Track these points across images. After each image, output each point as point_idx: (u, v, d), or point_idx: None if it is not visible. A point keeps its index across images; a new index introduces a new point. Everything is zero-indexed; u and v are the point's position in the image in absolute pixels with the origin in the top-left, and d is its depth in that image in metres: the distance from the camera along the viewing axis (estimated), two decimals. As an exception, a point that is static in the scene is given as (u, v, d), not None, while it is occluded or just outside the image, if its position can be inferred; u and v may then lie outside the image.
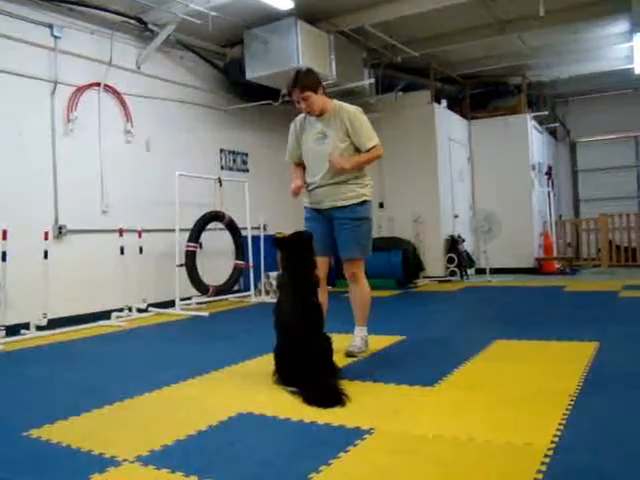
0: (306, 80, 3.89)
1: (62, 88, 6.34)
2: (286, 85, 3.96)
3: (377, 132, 4.03)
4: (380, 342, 4.37)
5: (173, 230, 6.90)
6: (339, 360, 3.84)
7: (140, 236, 6.81)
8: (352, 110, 3.97)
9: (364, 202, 3.99)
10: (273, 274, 8.50)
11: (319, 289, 3.89)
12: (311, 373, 3.16)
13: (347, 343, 4.12)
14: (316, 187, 4.03)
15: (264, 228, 8.22)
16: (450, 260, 9.46)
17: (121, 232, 6.60)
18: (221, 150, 8.55)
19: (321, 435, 2.51)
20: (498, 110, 11.23)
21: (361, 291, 4.11)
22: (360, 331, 4.13)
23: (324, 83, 7.63)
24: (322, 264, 4.05)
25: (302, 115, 4.11)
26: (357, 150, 3.97)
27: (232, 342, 4.99)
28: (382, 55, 8.81)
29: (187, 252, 6.97)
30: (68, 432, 2.67)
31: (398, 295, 7.99)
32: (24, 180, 5.96)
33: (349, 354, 4.01)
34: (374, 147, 3.93)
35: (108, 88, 6.84)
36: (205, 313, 6.64)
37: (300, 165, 4.17)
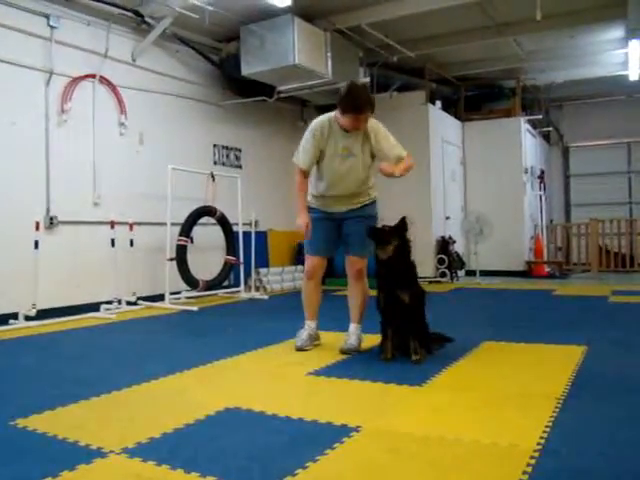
0: (373, 101, 3.90)
1: (57, 78, 6.31)
2: (357, 104, 3.77)
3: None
4: (369, 341, 4.37)
5: (164, 224, 6.89)
6: (333, 356, 3.88)
7: (131, 229, 6.78)
8: (373, 123, 3.95)
9: (374, 202, 4.13)
10: (263, 270, 8.51)
11: (314, 286, 4.14)
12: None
13: (333, 340, 4.13)
14: (330, 196, 4.05)
15: (255, 224, 8.20)
16: (440, 261, 9.49)
17: (112, 224, 6.57)
18: (214, 145, 8.53)
19: (308, 431, 2.51)
20: (492, 112, 11.26)
21: (364, 289, 4.16)
22: (356, 329, 4.12)
23: (320, 81, 7.78)
24: (322, 264, 4.12)
25: (324, 122, 3.93)
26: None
27: (220, 337, 4.99)
28: (378, 54, 8.82)
29: (178, 246, 6.97)
30: (55, 422, 2.66)
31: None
32: (16, 170, 5.93)
33: (344, 351, 4.00)
34: (408, 155, 3.92)
35: (103, 80, 6.82)
36: (194, 307, 6.63)
37: (306, 179, 4.05)
